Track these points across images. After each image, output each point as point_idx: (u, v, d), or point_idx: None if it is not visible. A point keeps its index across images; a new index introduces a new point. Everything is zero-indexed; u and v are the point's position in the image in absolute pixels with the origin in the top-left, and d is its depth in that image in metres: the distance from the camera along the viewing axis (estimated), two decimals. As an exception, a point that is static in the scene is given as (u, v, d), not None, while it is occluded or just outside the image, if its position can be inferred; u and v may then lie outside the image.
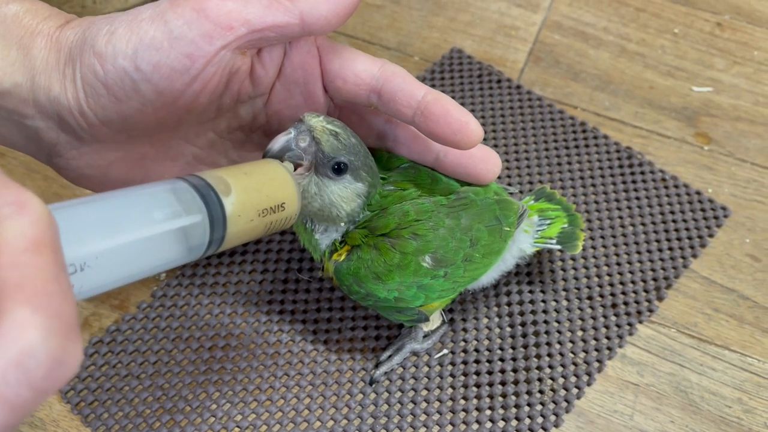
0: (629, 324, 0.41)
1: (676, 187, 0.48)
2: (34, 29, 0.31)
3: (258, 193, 0.28)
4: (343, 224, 0.34)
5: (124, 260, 0.23)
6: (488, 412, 0.38)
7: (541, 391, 0.39)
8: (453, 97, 0.54)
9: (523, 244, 0.39)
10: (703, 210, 0.47)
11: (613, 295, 0.43)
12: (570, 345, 0.40)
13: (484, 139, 0.50)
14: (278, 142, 0.32)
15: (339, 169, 0.32)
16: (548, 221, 0.40)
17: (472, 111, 0.53)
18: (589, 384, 0.39)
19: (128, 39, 0.29)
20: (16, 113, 0.31)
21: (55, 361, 0.17)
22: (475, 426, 0.37)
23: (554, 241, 0.40)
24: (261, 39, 0.31)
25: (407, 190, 0.35)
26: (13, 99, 0.30)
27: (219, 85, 0.32)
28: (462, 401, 0.38)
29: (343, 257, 0.34)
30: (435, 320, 0.40)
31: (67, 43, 0.31)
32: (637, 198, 0.48)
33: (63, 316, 0.17)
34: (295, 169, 0.33)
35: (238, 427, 0.37)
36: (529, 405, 0.38)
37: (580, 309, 0.42)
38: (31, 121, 0.31)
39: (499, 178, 0.49)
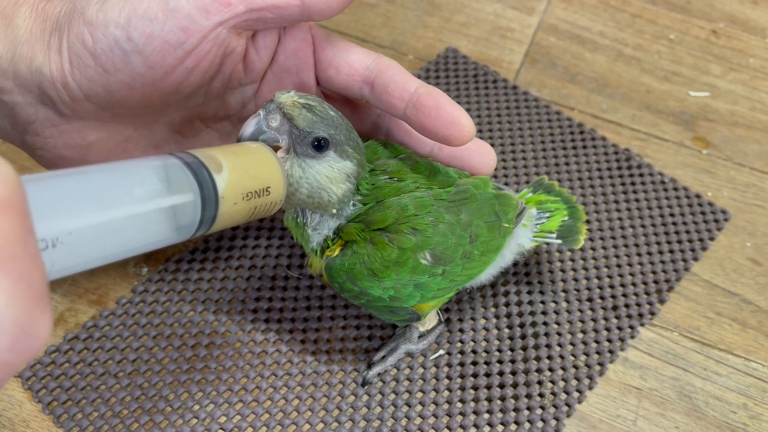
0: (631, 327, 0.40)
1: (675, 189, 0.47)
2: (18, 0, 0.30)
3: (246, 174, 0.26)
4: (335, 211, 0.32)
5: (103, 238, 0.21)
6: (486, 416, 0.36)
7: (541, 395, 0.37)
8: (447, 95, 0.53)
9: (521, 238, 0.38)
10: (703, 213, 0.46)
11: (613, 297, 0.41)
12: (570, 347, 0.39)
13: (480, 139, 0.48)
14: (248, 126, 0.30)
15: (319, 146, 0.30)
16: (547, 214, 0.39)
17: (468, 110, 0.51)
18: (590, 387, 0.37)
19: (121, 8, 0.28)
20: None
21: (22, 330, 0.15)
22: (472, 430, 0.35)
23: (554, 236, 0.38)
24: (258, 19, 0.29)
25: (404, 181, 0.33)
26: None
27: (212, 65, 0.30)
28: (459, 404, 0.36)
29: (336, 252, 0.32)
30: (431, 320, 0.38)
31: (54, 12, 0.29)
32: (637, 200, 0.46)
33: (31, 282, 0.15)
34: None
35: (222, 429, 0.35)
36: (528, 409, 0.36)
37: (580, 311, 0.41)
38: (8, 96, 0.30)
39: (495, 177, 0.47)
